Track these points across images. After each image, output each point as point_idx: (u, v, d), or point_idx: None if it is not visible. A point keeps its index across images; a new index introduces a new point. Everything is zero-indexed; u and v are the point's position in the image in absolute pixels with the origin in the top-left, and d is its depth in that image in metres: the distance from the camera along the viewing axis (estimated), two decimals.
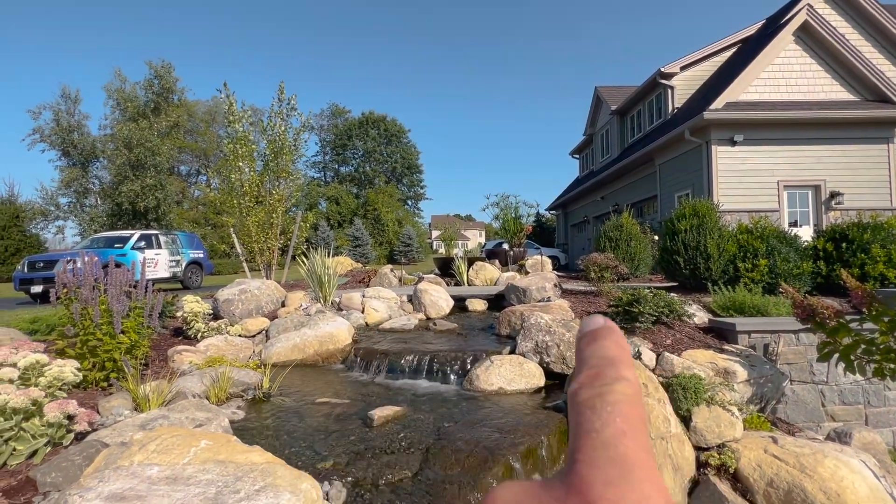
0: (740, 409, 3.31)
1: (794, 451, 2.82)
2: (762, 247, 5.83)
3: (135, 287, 3.70)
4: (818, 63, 11.20)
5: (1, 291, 16.18)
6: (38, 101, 51.35)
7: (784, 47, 11.15)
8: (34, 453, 2.16)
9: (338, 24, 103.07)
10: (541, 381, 3.66)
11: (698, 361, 3.72)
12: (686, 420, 3.10)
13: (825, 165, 10.84)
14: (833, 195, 10.75)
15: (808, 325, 3.48)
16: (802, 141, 10.85)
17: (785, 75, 11.19)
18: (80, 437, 2.35)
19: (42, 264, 10.45)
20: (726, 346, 4.22)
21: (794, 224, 10.88)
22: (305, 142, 10.12)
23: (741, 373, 3.64)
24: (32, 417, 2.20)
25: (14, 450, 2.11)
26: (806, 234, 10.29)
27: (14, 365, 2.30)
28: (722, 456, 2.88)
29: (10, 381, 2.21)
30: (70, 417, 2.31)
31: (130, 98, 31.00)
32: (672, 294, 5.00)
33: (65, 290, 3.30)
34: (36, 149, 30.39)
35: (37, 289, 10.05)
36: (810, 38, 11.09)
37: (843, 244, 6.10)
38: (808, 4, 11.14)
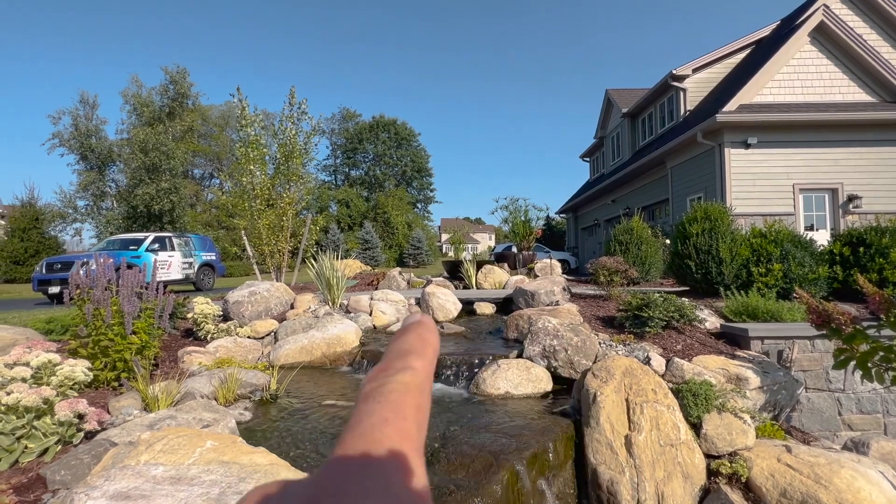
0: (753, 417, 3.23)
1: (808, 461, 2.74)
2: (776, 251, 5.71)
3: (146, 288, 3.76)
4: (835, 64, 10.98)
5: (20, 292, 16.57)
6: (57, 106, 52.74)
7: (799, 48, 10.97)
8: (45, 451, 2.19)
9: (349, 30, 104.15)
10: (548, 385, 3.63)
11: (709, 367, 3.65)
12: (696, 427, 3.04)
13: (842, 168, 10.61)
14: (851, 198, 10.51)
15: (824, 332, 3.39)
16: (819, 143, 10.64)
17: (800, 77, 11.00)
18: (90, 435, 2.39)
19: (59, 266, 10.68)
20: (738, 352, 4.14)
21: (810, 228, 10.66)
22: (316, 145, 10.20)
23: (754, 379, 3.56)
24: (44, 416, 2.24)
25: (26, 448, 2.14)
26: (822, 238, 10.07)
27: (27, 364, 2.35)
28: (733, 464, 2.82)
29: (23, 380, 2.25)
30: (80, 416, 2.35)
31: (146, 103, 31.66)
32: (683, 299, 4.93)
33: (78, 291, 3.37)
34: (55, 153, 31.12)
35: (54, 289, 10.26)
36: (826, 38, 10.89)
37: (861, 248, 5.95)
38: (825, 4, 10.95)
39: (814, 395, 4.21)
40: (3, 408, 2.11)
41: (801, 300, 3.49)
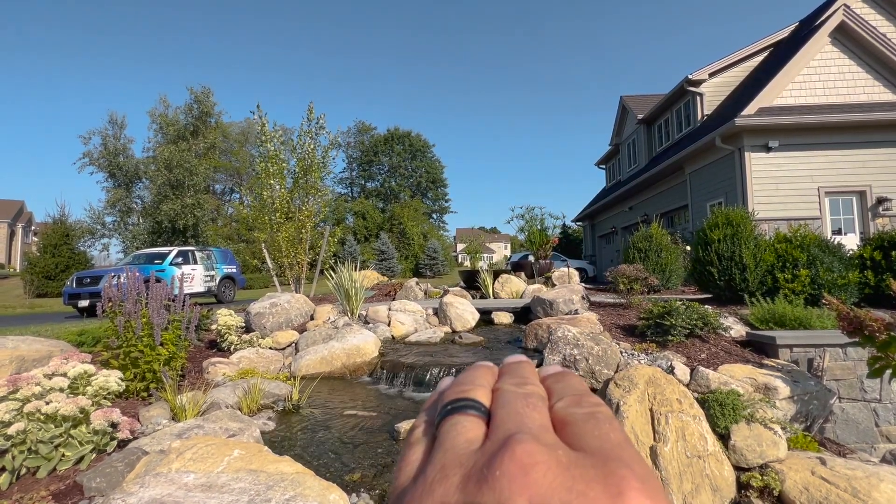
0: (783, 428, 3.13)
1: (845, 474, 2.64)
2: (802, 256, 5.56)
3: (173, 301, 3.87)
4: (857, 63, 10.73)
5: (51, 306, 17.19)
6: (88, 126, 55.28)
7: (820, 49, 10.75)
8: (81, 459, 2.27)
9: (365, 45, 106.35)
10: None
11: (736, 376, 3.56)
12: (724, 438, 2.96)
13: (870, 170, 10.29)
14: (880, 201, 10.17)
15: (856, 339, 3.28)
16: (844, 145, 10.35)
17: (822, 78, 10.76)
18: (122, 444, 2.46)
19: (89, 280, 11.05)
20: (766, 361, 4.02)
21: (837, 232, 10.33)
22: (333, 159, 10.42)
23: (783, 389, 3.45)
24: (80, 425, 2.32)
25: (63, 455, 2.22)
26: (851, 242, 9.74)
27: (64, 375, 2.45)
28: (765, 477, 2.73)
29: (61, 390, 2.34)
30: (114, 425, 2.42)
31: (172, 122, 32.80)
32: (706, 306, 4.82)
33: (110, 304, 3.49)
34: (85, 171, 32.34)
35: (84, 303, 10.62)
36: (848, 38, 10.66)
37: (893, 252, 5.75)
38: (845, 4, 10.74)
39: (848, 405, 4.05)
40: (42, 417, 2.20)
41: (831, 306, 3.39)
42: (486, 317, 6.29)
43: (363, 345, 4.58)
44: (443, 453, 0.19)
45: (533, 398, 0.21)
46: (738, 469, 2.87)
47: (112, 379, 2.60)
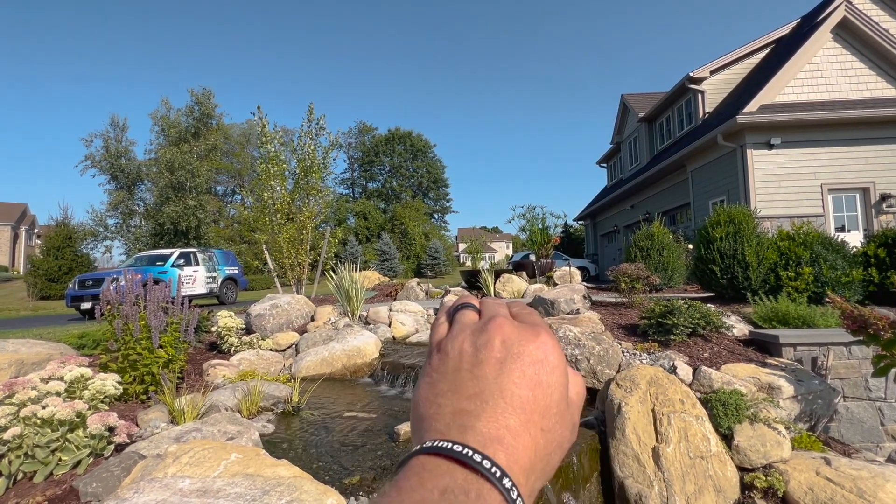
0: (787, 428, 3.10)
1: (850, 474, 2.61)
2: (805, 254, 5.51)
3: (172, 303, 3.86)
4: (860, 60, 10.66)
5: (54, 308, 17.26)
6: (91, 129, 55.58)
7: (822, 45, 10.69)
8: (77, 464, 2.25)
9: (365, 46, 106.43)
10: None
11: (739, 376, 3.52)
12: (727, 438, 2.93)
13: (874, 167, 10.22)
14: (884, 198, 10.10)
15: (860, 338, 3.24)
16: (847, 142, 10.29)
17: (824, 74, 10.70)
18: (120, 448, 2.45)
19: (91, 282, 11.07)
20: (769, 360, 3.99)
21: (841, 229, 10.26)
22: (334, 160, 10.41)
23: (787, 388, 3.42)
24: (77, 429, 2.31)
25: (60, 460, 2.21)
26: (855, 239, 9.68)
27: (61, 378, 2.43)
28: (769, 478, 2.70)
29: (58, 394, 2.33)
30: (111, 429, 2.41)
31: (174, 124, 32.89)
32: (709, 305, 4.79)
33: (108, 307, 3.48)
34: (87, 174, 32.49)
35: (86, 305, 10.64)
36: (850, 34, 10.60)
37: None
38: (847, 0, 10.67)
39: (853, 404, 4.01)
40: (38, 421, 2.19)
41: (835, 305, 3.35)
42: None
43: (364, 346, 4.57)
44: (460, 324, 0.35)
45: (502, 305, 0.37)
46: (742, 469, 2.83)
47: (109, 382, 2.59)
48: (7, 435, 2.10)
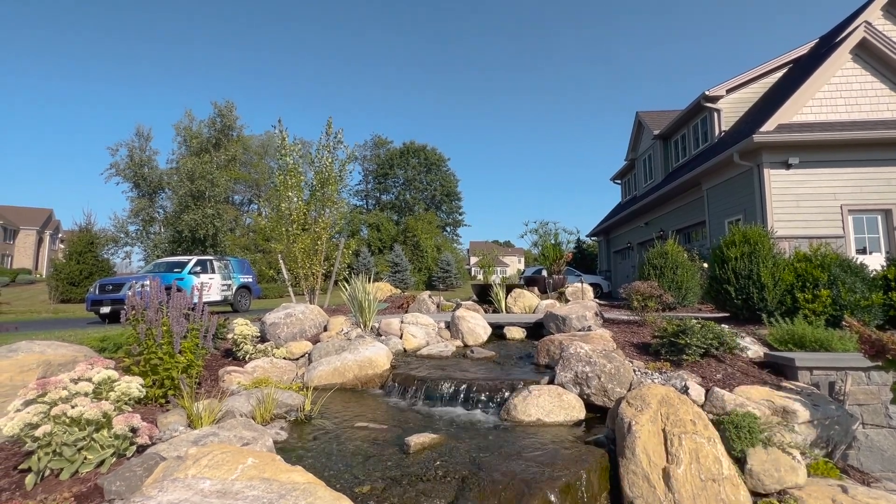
0: (803, 453, 3.05)
1: (867, 503, 2.55)
2: (823, 276, 5.44)
3: (192, 310, 3.98)
4: (881, 81, 10.56)
5: (74, 311, 17.69)
6: (115, 137, 57.76)
7: (841, 65, 10.63)
8: (102, 462, 2.34)
9: (382, 59, 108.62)
10: (581, 413, 3.56)
11: (752, 398, 3.48)
12: (740, 462, 2.90)
13: None
14: None
15: (878, 363, 3.19)
16: (868, 162, 10.14)
17: (843, 95, 10.61)
18: (141, 449, 2.53)
19: (111, 287, 11.37)
20: (785, 383, 3.93)
21: (862, 251, 10.05)
22: (350, 172, 10.63)
23: (802, 413, 3.37)
24: (102, 429, 2.40)
25: (85, 458, 2.30)
26: (876, 261, 9.46)
27: (89, 380, 2.54)
28: None
29: (86, 395, 2.43)
30: (134, 430, 2.50)
31: (196, 135, 33.94)
32: (723, 325, 4.74)
33: (133, 312, 3.61)
34: (112, 181, 33.55)
35: (105, 309, 10.91)
36: (870, 55, 10.52)
37: None
38: (866, 21, 10.63)
39: (872, 431, 3.91)
40: (68, 420, 2.29)
41: (852, 329, 3.31)
42: (498, 331, 6.28)
43: (375, 357, 4.62)
44: None
45: None
46: (755, 495, 2.79)
47: (134, 385, 2.69)
48: (38, 432, 2.20)
